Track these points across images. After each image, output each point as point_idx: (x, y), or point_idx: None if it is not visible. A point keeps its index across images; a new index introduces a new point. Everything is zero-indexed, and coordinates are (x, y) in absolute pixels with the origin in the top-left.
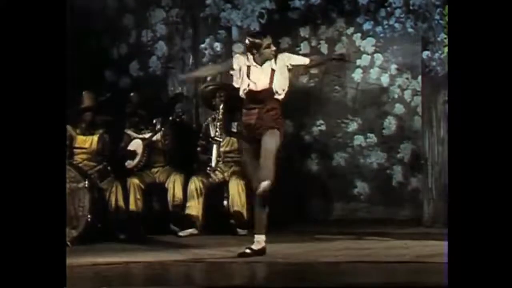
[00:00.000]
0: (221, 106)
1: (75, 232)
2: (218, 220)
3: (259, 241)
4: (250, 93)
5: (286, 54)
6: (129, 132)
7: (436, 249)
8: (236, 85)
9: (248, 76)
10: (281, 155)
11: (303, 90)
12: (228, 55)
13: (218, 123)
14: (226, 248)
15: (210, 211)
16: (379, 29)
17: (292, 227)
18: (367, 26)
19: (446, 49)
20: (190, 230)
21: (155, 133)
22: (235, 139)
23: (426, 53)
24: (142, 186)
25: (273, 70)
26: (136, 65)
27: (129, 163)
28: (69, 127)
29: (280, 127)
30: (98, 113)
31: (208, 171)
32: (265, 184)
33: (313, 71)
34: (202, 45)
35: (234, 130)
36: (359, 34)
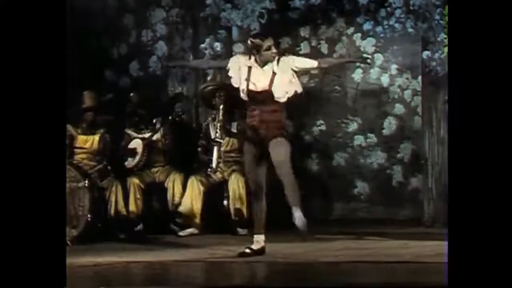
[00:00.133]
0: (221, 107)
1: (75, 231)
2: (218, 220)
3: (259, 241)
4: (250, 93)
5: (291, 56)
6: (129, 131)
7: (436, 249)
8: (235, 85)
9: (248, 76)
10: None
11: (303, 90)
12: (228, 55)
13: (218, 124)
14: (226, 248)
15: (210, 211)
16: (379, 29)
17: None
18: (367, 26)
19: (446, 49)
20: (190, 230)
21: (154, 132)
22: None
23: (426, 53)
24: (142, 186)
25: (274, 73)
26: (136, 65)
27: (129, 163)
28: (70, 127)
29: (286, 134)
30: (99, 113)
31: (209, 173)
32: (298, 215)
33: (313, 71)
34: (202, 45)
35: (234, 130)
36: (359, 34)
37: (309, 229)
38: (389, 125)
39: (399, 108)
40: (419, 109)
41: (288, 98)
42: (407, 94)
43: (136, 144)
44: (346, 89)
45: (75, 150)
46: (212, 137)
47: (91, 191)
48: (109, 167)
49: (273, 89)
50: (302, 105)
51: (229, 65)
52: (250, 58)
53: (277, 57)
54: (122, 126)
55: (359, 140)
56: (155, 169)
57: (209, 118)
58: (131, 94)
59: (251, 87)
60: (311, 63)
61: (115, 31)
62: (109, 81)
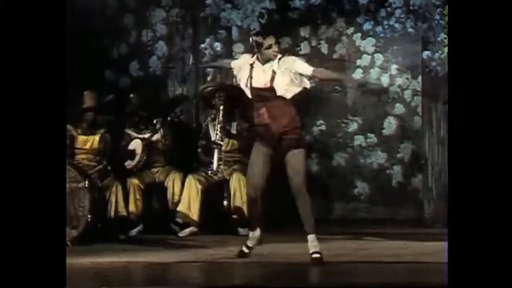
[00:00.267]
0: (221, 108)
1: (75, 232)
2: (218, 220)
3: (254, 236)
4: (252, 90)
5: (292, 58)
6: (129, 132)
7: (436, 249)
8: (239, 83)
9: (250, 74)
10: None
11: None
12: (228, 55)
13: (218, 126)
14: (226, 248)
15: (210, 211)
16: (379, 29)
17: (292, 227)
18: (367, 26)
19: (446, 49)
20: (189, 229)
21: (154, 133)
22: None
23: (426, 53)
24: (142, 186)
25: (274, 72)
26: (136, 65)
27: (129, 163)
28: (70, 127)
29: (305, 143)
30: (99, 113)
31: (210, 174)
32: (311, 237)
33: None
34: (202, 45)
35: (234, 131)
36: (359, 34)
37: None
38: (389, 125)
39: (399, 108)
40: (419, 109)
41: (294, 96)
42: (407, 94)
43: (136, 144)
44: (346, 89)
45: (75, 150)
46: (213, 139)
47: (91, 191)
48: (109, 168)
49: (274, 86)
50: (302, 105)
51: (232, 64)
52: (253, 56)
53: (279, 56)
54: (122, 126)
55: (359, 140)
56: (155, 169)
57: (209, 118)
58: (131, 95)
59: (254, 84)
60: (307, 70)
61: (115, 31)
62: (109, 81)
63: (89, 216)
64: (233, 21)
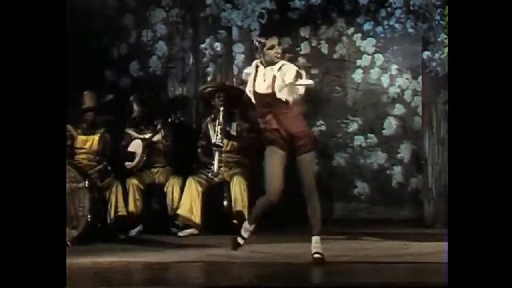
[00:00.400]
0: (221, 108)
1: (75, 232)
2: (218, 220)
3: (246, 227)
4: (256, 95)
5: (289, 66)
6: (130, 131)
7: (436, 249)
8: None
9: (254, 77)
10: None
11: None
12: (228, 55)
13: (218, 127)
14: (226, 248)
15: (210, 211)
16: (379, 29)
17: (292, 227)
18: (367, 26)
19: (446, 50)
20: (190, 230)
21: (155, 133)
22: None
23: (426, 54)
24: (141, 187)
25: (274, 77)
26: (136, 65)
27: (129, 164)
28: (70, 127)
29: (315, 145)
30: (99, 113)
31: (210, 176)
32: (316, 238)
33: (313, 71)
34: (202, 45)
35: (234, 133)
36: (359, 34)
37: (310, 229)
38: (389, 125)
39: (399, 108)
40: (419, 109)
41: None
42: (407, 94)
43: (137, 144)
44: (346, 89)
45: (75, 150)
46: (213, 140)
47: (91, 191)
48: (109, 168)
49: (275, 90)
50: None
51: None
52: (257, 58)
53: (281, 62)
54: (122, 126)
55: (359, 140)
56: (155, 170)
57: (208, 118)
58: (131, 98)
59: (257, 88)
60: (289, 79)
61: (115, 31)
62: (109, 81)
63: (89, 216)
64: (233, 21)
